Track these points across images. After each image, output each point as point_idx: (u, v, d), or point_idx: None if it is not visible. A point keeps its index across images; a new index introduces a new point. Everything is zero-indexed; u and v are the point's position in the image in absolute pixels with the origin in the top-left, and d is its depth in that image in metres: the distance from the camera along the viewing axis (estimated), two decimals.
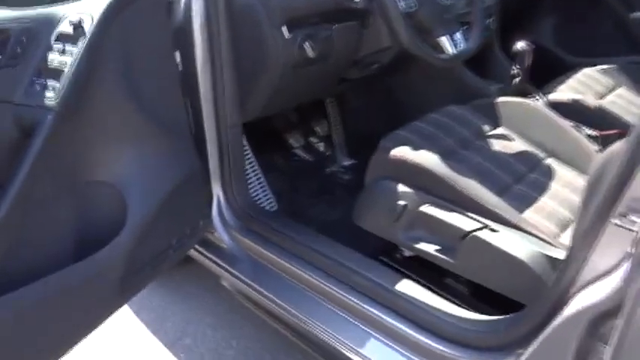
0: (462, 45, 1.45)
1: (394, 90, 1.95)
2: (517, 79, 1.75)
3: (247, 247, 1.56)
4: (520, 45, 1.69)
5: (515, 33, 2.08)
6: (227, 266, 1.56)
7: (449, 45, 1.43)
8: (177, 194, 1.30)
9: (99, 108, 1.10)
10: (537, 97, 1.80)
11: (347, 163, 2.14)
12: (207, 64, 1.43)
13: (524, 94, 1.77)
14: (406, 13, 1.36)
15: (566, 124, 1.56)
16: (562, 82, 1.92)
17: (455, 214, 1.25)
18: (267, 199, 1.85)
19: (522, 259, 1.12)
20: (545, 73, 1.95)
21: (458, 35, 1.46)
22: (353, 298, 1.29)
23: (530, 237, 1.20)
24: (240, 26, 1.39)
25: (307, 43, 1.36)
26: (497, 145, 1.53)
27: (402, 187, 1.33)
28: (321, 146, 2.16)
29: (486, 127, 1.60)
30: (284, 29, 1.33)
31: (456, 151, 1.48)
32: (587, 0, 2.27)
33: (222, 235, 1.60)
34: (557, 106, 1.79)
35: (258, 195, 1.83)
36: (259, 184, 1.84)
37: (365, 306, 1.26)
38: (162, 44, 1.29)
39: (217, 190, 1.60)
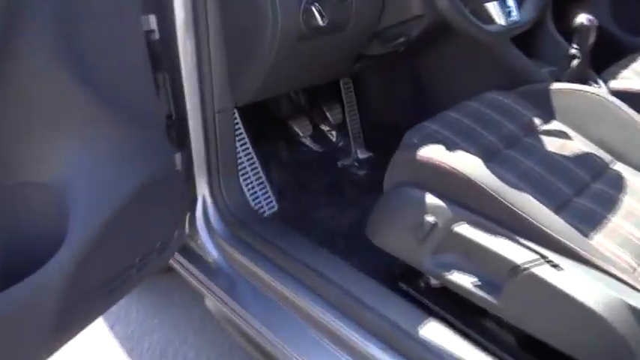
0: (514, 15, 1.12)
1: (421, 70, 1.63)
2: (575, 62, 1.41)
3: (236, 261, 1.27)
4: (581, 19, 1.35)
5: (568, 6, 1.74)
6: (210, 285, 1.28)
7: (499, 13, 1.11)
8: (142, 199, 1.01)
9: (23, 83, 0.81)
10: (598, 85, 1.46)
11: (363, 156, 1.83)
12: (189, 30, 1.13)
13: (582, 80, 1.44)
14: None
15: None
16: (625, 66, 1.58)
17: (501, 238, 0.94)
18: (266, 199, 1.56)
19: (596, 310, 0.81)
20: (600, 55, 1.62)
21: (511, 1, 1.13)
22: (361, 340, 1.00)
23: (604, 276, 0.89)
24: None
25: (316, 8, 1.06)
26: (550, 145, 1.21)
27: (431, 199, 1.02)
28: (332, 135, 1.86)
29: (537, 121, 1.28)
30: None
31: (499, 152, 1.17)
32: None
33: (206, 245, 1.31)
34: (624, 97, 1.46)
35: (255, 193, 1.54)
36: (257, 179, 1.55)
37: (376, 353, 0.97)
38: (126, 2, 0.99)
39: (203, 189, 1.32)
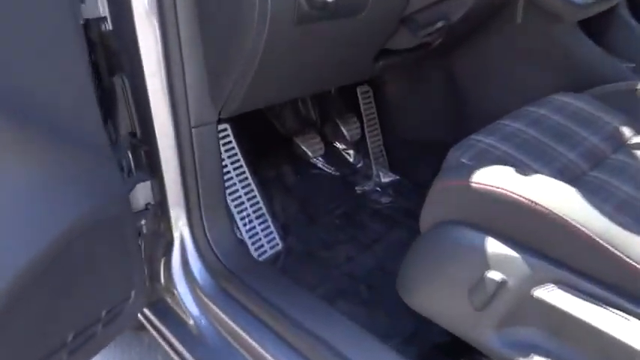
0: None
1: (459, 73, 1.31)
2: None
3: (223, 324, 0.95)
4: None
5: None
6: (189, 355, 0.96)
7: None
8: (76, 246, 0.70)
9: None
10: None
11: (386, 179, 1.51)
12: (152, 19, 0.83)
13: None
14: None
15: None
16: None
17: (611, 311, 0.61)
18: (267, 235, 1.24)
19: None
20: None
21: None
22: None
23: None
24: None
25: None
26: None
27: (495, 245, 0.69)
28: (349, 155, 1.54)
29: (625, 131, 0.95)
30: None
31: (584, 175, 0.84)
32: None
33: (185, 301, 1.00)
34: None
35: (253, 229, 1.23)
36: (255, 212, 1.23)
37: None
38: None
39: (181, 228, 1.01)
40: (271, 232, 1.25)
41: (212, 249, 1.01)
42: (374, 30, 0.92)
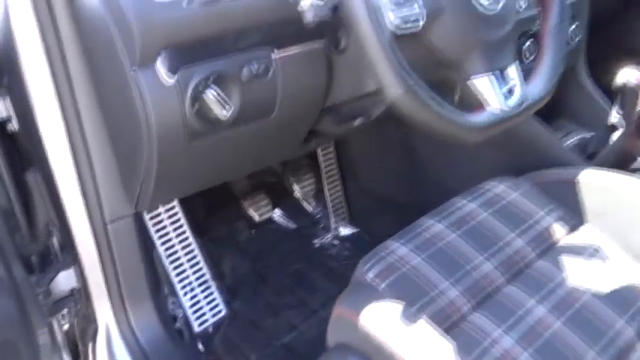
0: (519, 92, 0.73)
1: (416, 140, 1.26)
2: (617, 134, 1.02)
3: None
4: (625, 77, 0.95)
5: (608, 54, 1.32)
6: None
7: (494, 92, 0.72)
8: None
9: None
10: None
11: (345, 232, 1.48)
12: (55, 115, 0.81)
13: (626, 160, 1.04)
14: (403, 35, 0.66)
15: None
16: None
17: None
18: (210, 302, 1.22)
19: None
20: None
21: (513, 70, 0.74)
22: None
23: None
24: (93, 53, 0.75)
25: (213, 94, 0.71)
26: (577, 273, 0.83)
27: None
28: (310, 204, 1.50)
29: (558, 228, 0.90)
30: (160, 66, 0.68)
31: (498, 291, 0.79)
32: None
33: None
34: None
35: (195, 297, 1.21)
36: (197, 278, 1.22)
37: None
38: None
39: (105, 315, 1.00)
40: (214, 299, 1.23)
41: (136, 337, 1.00)
42: (290, 126, 0.88)
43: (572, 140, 1.13)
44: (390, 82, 0.63)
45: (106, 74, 0.76)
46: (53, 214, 0.94)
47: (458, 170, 1.19)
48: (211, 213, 1.34)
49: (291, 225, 1.47)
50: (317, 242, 1.45)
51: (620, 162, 1.04)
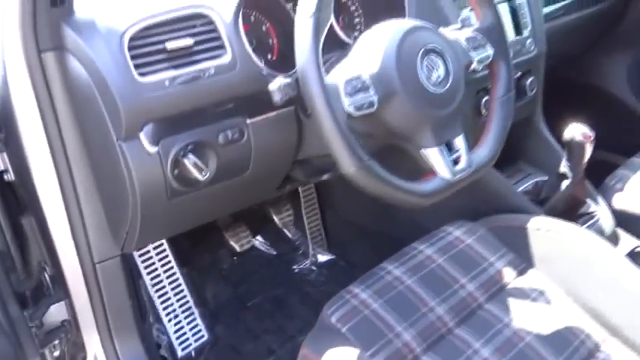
0: (464, 160, 0.82)
1: None
2: (565, 183, 1.11)
3: None
4: (574, 132, 1.05)
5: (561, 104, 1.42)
6: None
7: (443, 162, 0.81)
8: None
9: None
10: (597, 204, 1.16)
11: (323, 258, 1.56)
12: (48, 167, 0.89)
13: (574, 205, 1.14)
14: (357, 116, 0.74)
15: None
16: (627, 177, 1.25)
17: None
18: (193, 328, 1.31)
19: None
20: (617, 129, 1.30)
21: (459, 141, 0.83)
22: None
23: None
24: (84, 118, 0.84)
25: (190, 161, 0.80)
26: (522, 316, 0.92)
27: None
28: (290, 232, 1.59)
29: (507, 273, 0.99)
30: (143, 138, 0.77)
31: (448, 334, 0.88)
32: None
33: None
34: (630, 222, 1.15)
35: (179, 323, 1.30)
36: (181, 306, 1.30)
37: None
38: None
39: (94, 346, 1.08)
40: (197, 325, 1.32)
41: None
42: (265, 179, 0.97)
43: (527, 184, 1.23)
44: (344, 160, 0.72)
45: (95, 138, 0.84)
46: (46, 255, 1.02)
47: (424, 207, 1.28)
48: (195, 243, 1.42)
49: (272, 251, 1.55)
50: (296, 268, 1.54)
51: (569, 208, 1.13)
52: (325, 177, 1.02)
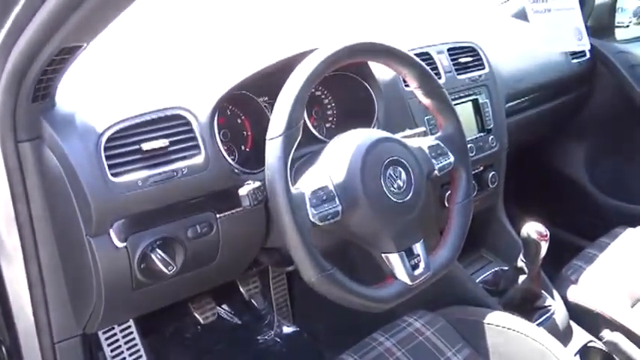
0: (424, 264, 0.86)
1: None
2: (522, 278, 1.16)
3: None
4: (530, 230, 1.10)
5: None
6: None
7: (403, 266, 0.85)
8: None
9: None
10: (551, 303, 1.20)
11: (287, 330, 1.57)
12: (15, 249, 0.89)
13: (531, 298, 1.18)
14: (322, 224, 0.80)
15: None
16: (589, 257, 1.31)
17: None
18: None
19: None
20: (576, 211, 1.37)
21: (418, 247, 0.87)
22: None
23: None
24: (55, 206, 0.85)
25: (157, 256, 0.82)
26: None
27: None
28: (256, 302, 1.59)
29: None
30: (113, 234, 0.79)
31: None
32: (634, 123, 1.67)
33: None
34: (585, 320, 1.20)
35: None
36: None
37: None
38: None
39: None
40: None
41: None
42: (232, 267, 0.99)
43: (487, 274, 1.27)
44: (307, 271, 0.76)
45: (65, 228, 0.85)
46: (5, 329, 1.01)
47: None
48: (159, 312, 1.41)
49: (237, 321, 1.55)
50: (260, 339, 1.54)
51: (525, 301, 1.18)
52: (290, 268, 1.04)
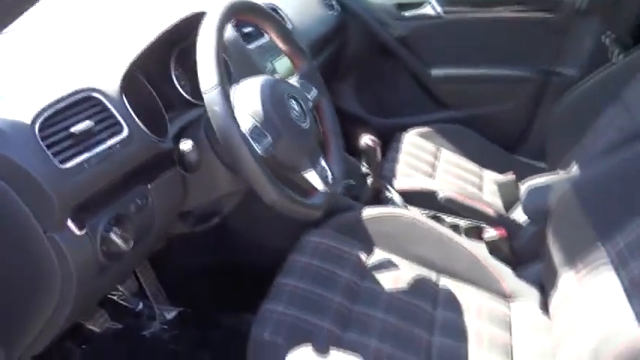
0: (329, 173, 1.06)
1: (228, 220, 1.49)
2: (369, 179, 1.45)
3: None
4: (365, 141, 1.39)
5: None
6: None
7: (319, 179, 1.03)
8: None
9: None
10: (390, 194, 1.53)
11: (170, 315, 1.58)
12: None
13: (379, 194, 1.49)
14: (264, 157, 0.92)
15: (448, 232, 1.32)
16: (394, 158, 1.71)
17: None
18: None
19: None
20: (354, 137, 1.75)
21: (324, 162, 1.06)
22: None
23: None
24: None
25: (115, 232, 0.82)
26: (387, 282, 1.20)
27: None
28: (133, 302, 1.55)
29: (363, 257, 1.26)
30: (71, 224, 0.77)
31: (350, 312, 1.10)
32: (384, 59, 2.14)
33: None
34: (412, 197, 1.57)
35: None
36: None
37: None
38: None
39: None
40: None
41: None
42: (162, 236, 1.02)
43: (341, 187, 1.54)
44: (269, 192, 0.88)
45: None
46: None
47: (264, 229, 1.45)
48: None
49: (119, 326, 1.50)
50: (147, 333, 1.52)
51: (375, 197, 1.48)
52: (214, 221, 1.12)
